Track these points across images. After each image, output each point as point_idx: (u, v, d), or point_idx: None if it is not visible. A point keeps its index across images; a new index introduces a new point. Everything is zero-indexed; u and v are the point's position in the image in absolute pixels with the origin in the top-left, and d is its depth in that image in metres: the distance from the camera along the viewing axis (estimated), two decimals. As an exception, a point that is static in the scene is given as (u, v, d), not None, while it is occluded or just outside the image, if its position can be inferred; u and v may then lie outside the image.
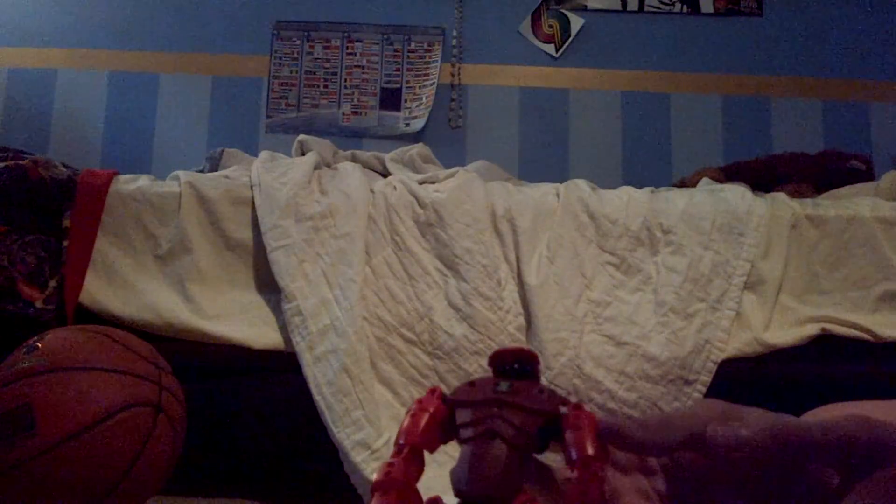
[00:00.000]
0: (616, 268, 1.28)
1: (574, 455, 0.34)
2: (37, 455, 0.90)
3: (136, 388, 0.99)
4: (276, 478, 1.45)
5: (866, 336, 1.22)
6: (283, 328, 1.23)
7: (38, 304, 1.19)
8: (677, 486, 0.39)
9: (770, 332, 1.24)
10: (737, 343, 1.22)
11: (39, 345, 0.99)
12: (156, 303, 1.23)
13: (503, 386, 0.36)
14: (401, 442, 0.36)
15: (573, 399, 1.15)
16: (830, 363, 1.26)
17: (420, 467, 0.36)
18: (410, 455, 0.35)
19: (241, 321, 1.24)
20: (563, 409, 0.36)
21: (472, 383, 0.37)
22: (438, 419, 0.37)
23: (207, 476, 1.42)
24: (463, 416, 0.36)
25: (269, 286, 1.27)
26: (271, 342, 1.23)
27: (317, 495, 1.31)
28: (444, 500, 0.35)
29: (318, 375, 1.16)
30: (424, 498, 0.35)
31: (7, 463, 0.90)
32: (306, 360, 1.17)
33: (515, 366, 0.38)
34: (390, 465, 0.35)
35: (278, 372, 1.52)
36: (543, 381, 1.18)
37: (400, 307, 1.22)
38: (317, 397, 1.15)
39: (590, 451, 0.34)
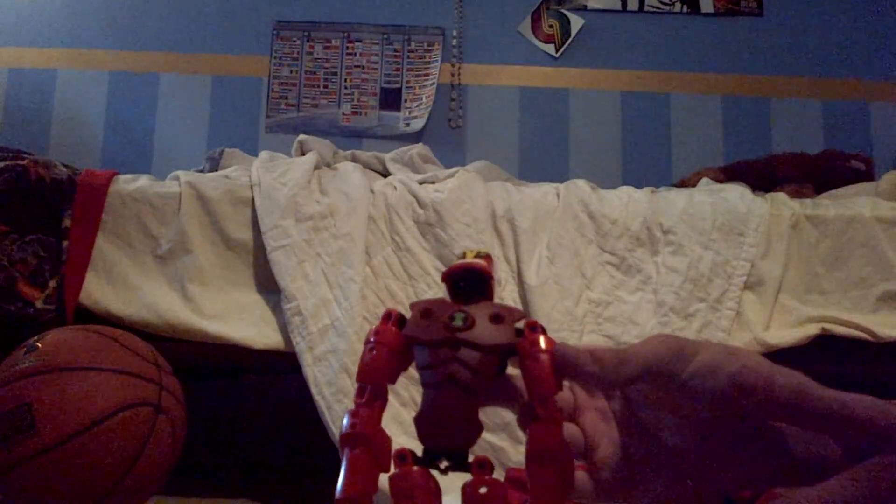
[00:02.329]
0: (616, 268, 1.28)
1: (532, 390, 0.35)
2: (37, 455, 0.90)
3: (136, 388, 0.99)
4: (277, 478, 1.45)
5: (866, 336, 1.22)
6: (283, 328, 1.23)
7: (38, 304, 1.19)
8: (634, 411, 0.40)
9: (770, 332, 1.24)
10: (737, 343, 1.22)
11: (39, 345, 0.99)
12: (156, 303, 1.23)
13: (458, 320, 0.36)
14: (362, 383, 0.36)
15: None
16: (830, 363, 1.25)
17: (383, 403, 0.36)
18: (373, 396, 0.36)
19: (241, 321, 1.24)
20: (520, 331, 0.36)
21: (427, 311, 0.37)
22: (397, 352, 0.37)
23: (207, 476, 1.42)
24: (420, 357, 0.36)
25: (269, 286, 1.27)
26: (271, 342, 1.23)
27: (317, 495, 1.31)
28: (410, 450, 0.35)
29: (318, 375, 1.16)
30: (393, 444, 0.35)
31: (7, 463, 0.90)
32: (306, 360, 1.17)
33: (467, 287, 0.37)
34: (355, 413, 0.35)
35: (278, 372, 1.52)
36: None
37: (400, 307, 1.22)
38: (317, 397, 1.15)
39: (548, 387, 0.35)
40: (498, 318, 0.36)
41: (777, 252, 1.27)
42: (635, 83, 2.44)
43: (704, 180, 1.68)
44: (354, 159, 1.58)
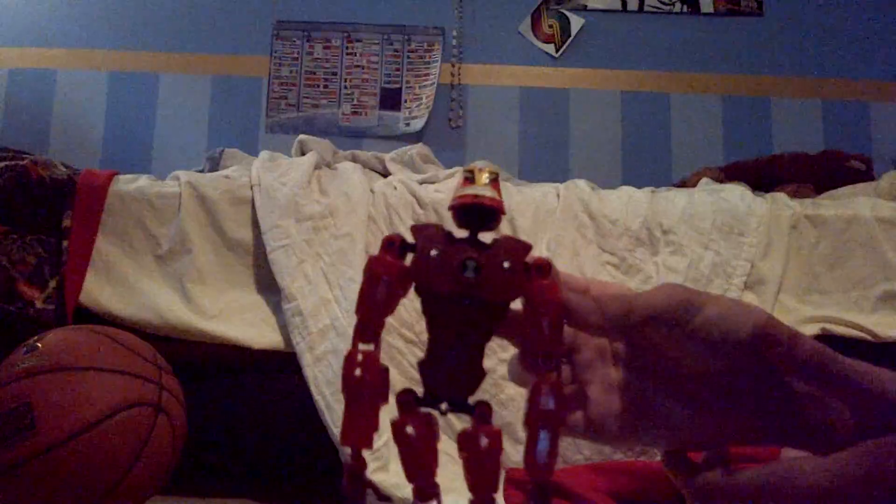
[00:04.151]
0: (616, 268, 1.28)
1: (536, 343, 0.35)
2: (37, 455, 0.90)
3: (136, 388, 0.99)
4: (276, 478, 1.45)
5: (866, 336, 1.22)
6: (283, 328, 1.23)
7: (38, 304, 1.19)
8: (636, 353, 0.39)
9: (770, 332, 1.24)
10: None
11: (39, 345, 0.99)
12: (156, 303, 1.23)
13: (469, 270, 0.34)
14: (362, 320, 0.36)
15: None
16: (830, 363, 1.25)
17: (380, 335, 0.36)
18: (374, 334, 0.36)
19: (241, 321, 1.24)
20: (528, 266, 0.35)
21: (435, 252, 0.35)
22: (399, 282, 0.36)
23: (207, 476, 1.42)
24: (430, 306, 0.36)
25: (269, 286, 1.27)
26: (271, 342, 1.23)
27: (317, 495, 1.31)
28: (412, 392, 0.36)
29: (318, 375, 1.16)
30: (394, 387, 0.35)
31: (7, 463, 0.90)
32: (306, 360, 1.17)
33: (475, 221, 0.36)
34: (354, 357, 0.34)
35: (278, 372, 1.52)
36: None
37: (400, 307, 1.22)
38: (317, 397, 1.15)
39: (554, 346, 0.35)
40: (507, 260, 0.35)
41: (777, 252, 1.27)
42: (635, 83, 2.44)
43: (704, 180, 1.68)
44: (354, 159, 1.58)
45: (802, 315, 1.25)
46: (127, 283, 1.25)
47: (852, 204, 1.33)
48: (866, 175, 1.73)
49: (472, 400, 0.35)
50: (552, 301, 0.35)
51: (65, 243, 1.23)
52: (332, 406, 1.14)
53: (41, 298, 1.20)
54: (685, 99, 2.43)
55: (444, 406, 0.35)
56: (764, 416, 0.37)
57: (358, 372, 0.34)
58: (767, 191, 1.57)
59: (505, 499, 0.98)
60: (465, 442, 0.34)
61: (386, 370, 0.35)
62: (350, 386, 0.34)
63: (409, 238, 0.37)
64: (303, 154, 1.54)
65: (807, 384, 0.36)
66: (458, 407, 0.35)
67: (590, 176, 1.53)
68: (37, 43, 2.45)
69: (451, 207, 0.36)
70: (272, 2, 2.47)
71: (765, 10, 2.46)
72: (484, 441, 0.34)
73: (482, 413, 0.35)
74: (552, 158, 2.40)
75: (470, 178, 0.36)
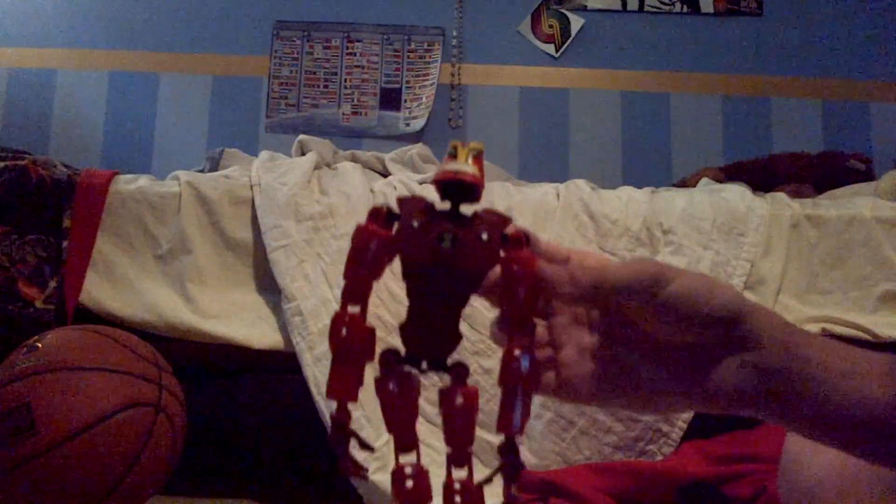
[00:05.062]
0: (616, 268, 1.28)
1: (512, 312, 0.37)
2: (37, 455, 0.90)
3: (136, 388, 0.99)
4: (276, 478, 1.45)
5: (866, 336, 1.22)
6: (283, 328, 1.23)
7: (38, 304, 1.19)
8: (609, 321, 0.42)
9: (770, 332, 1.24)
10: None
11: (39, 345, 0.99)
12: (156, 303, 1.23)
13: (446, 241, 0.37)
14: (349, 284, 0.37)
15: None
16: (830, 363, 1.25)
17: (368, 298, 0.38)
18: (361, 297, 0.38)
19: (241, 321, 1.24)
20: (505, 237, 0.37)
21: (416, 223, 0.37)
22: (383, 250, 0.38)
23: (207, 476, 1.42)
24: (410, 273, 0.38)
25: (269, 286, 1.27)
26: (271, 342, 1.23)
27: (317, 495, 1.31)
28: (395, 351, 0.38)
29: (318, 375, 1.16)
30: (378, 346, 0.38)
31: (7, 463, 0.90)
32: (306, 360, 1.17)
33: (456, 195, 0.38)
34: (341, 318, 0.37)
35: (278, 372, 1.52)
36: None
37: (400, 307, 1.22)
38: (317, 397, 1.15)
39: (528, 314, 0.37)
40: (485, 233, 0.37)
41: (777, 252, 1.27)
42: (635, 83, 2.44)
43: (704, 180, 1.68)
44: (354, 159, 1.58)
45: (802, 315, 1.25)
46: (127, 283, 1.25)
47: (852, 204, 1.33)
48: (866, 175, 1.73)
49: (450, 361, 0.38)
50: (526, 272, 0.37)
51: (65, 243, 1.23)
52: (332, 406, 1.14)
53: (41, 298, 1.20)
54: (685, 99, 2.43)
55: (423, 365, 0.38)
56: (732, 388, 0.38)
57: (344, 331, 0.36)
58: (767, 191, 1.57)
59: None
60: (444, 399, 0.36)
61: (372, 331, 0.38)
62: (337, 345, 0.36)
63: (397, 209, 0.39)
64: (303, 154, 1.54)
65: (773, 361, 0.38)
66: (437, 366, 0.38)
67: (590, 176, 1.53)
68: (37, 43, 2.45)
69: (434, 182, 0.38)
70: (272, 2, 2.47)
71: (765, 10, 2.46)
72: (460, 399, 0.36)
73: (459, 373, 0.37)
74: (552, 158, 2.39)
75: (453, 155, 0.38)
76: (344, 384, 0.37)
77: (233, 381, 1.80)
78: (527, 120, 2.41)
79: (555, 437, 1.16)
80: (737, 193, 1.33)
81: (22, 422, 0.91)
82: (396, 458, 0.37)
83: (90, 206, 1.26)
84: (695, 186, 1.61)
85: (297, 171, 1.32)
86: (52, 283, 1.21)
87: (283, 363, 1.21)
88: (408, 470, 0.36)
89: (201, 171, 1.60)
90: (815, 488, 0.61)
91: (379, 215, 0.38)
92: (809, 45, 2.44)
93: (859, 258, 1.28)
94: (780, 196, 1.36)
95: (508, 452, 0.36)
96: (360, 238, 0.38)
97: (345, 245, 1.24)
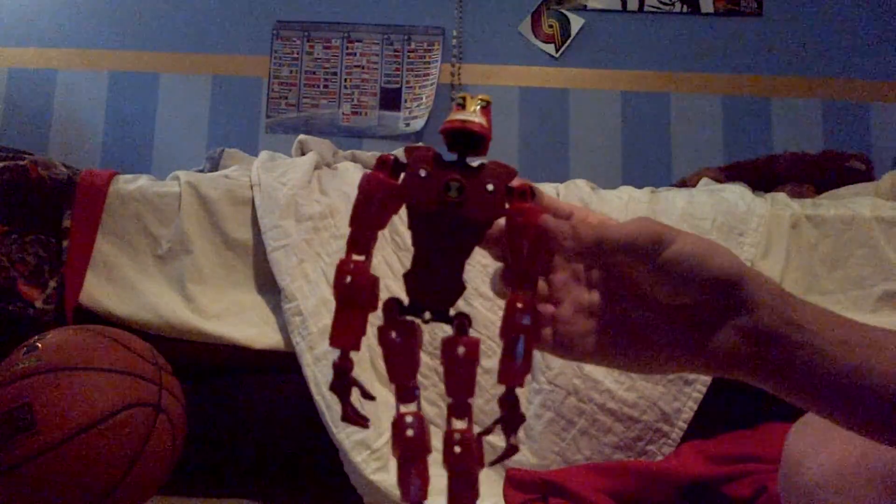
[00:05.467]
0: (616, 268, 1.28)
1: (515, 263, 0.38)
2: (37, 455, 0.90)
3: (136, 388, 0.99)
4: (277, 478, 1.45)
5: (866, 336, 1.22)
6: (283, 328, 1.22)
7: (38, 304, 1.19)
8: (609, 279, 0.42)
9: (770, 332, 1.24)
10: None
11: (39, 345, 0.99)
12: (156, 303, 1.23)
13: (453, 190, 0.37)
14: (356, 232, 0.38)
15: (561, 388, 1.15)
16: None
17: (373, 247, 0.39)
18: (365, 246, 0.38)
19: (241, 321, 1.24)
20: (511, 189, 0.38)
21: (423, 172, 0.38)
22: (390, 199, 0.38)
23: (207, 476, 1.42)
24: (416, 222, 0.38)
25: (269, 286, 1.27)
26: (271, 342, 1.23)
27: (317, 495, 1.31)
28: (398, 300, 0.38)
29: (319, 375, 1.16)
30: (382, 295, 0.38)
31: (7, 463, 0.90)
32: (306, 360, 1.17)
33: (463, 145, 0.38)
34: (346, 265, 0.37)
35: (278, 372, 1.52)
36: (539, 358, 1.18)
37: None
38: (317, 397, 1.15)
39: (531, 266, 0.38)
40: (491, 184, 0.38)
41: (777, 252, 1.27)
42: (635, 83, 2.44)
43: (704, 180, 1.68)
44: (354, 159, 1.58)
45: (802, 315, 1.25)
46: (127, 283, 1.25)
47: (852, 204, 1.33)
48: (866, 175, 1.73)
49: (452, 311, 0.38)
50: (530, 224, 0.38)
51: (65, 243, 1.23)
52: (332, 406, 1.14)
53: (41, 298, 1.20)
54: (685, 99, 2.43)
55: (427, 315, 0.38)
56: (728, 351, 0.39)
57: (349, 279, 0.37)
58: (767, 191, 1.57)
59: (505, 498, 0.98)
60: (446, 349, 0.37)
61: (376, 280, 0.38)
62: (341, 291, 0.37)
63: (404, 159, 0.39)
64: (303, 154, 1.54)
65: (765, 326, 0.38)
66: (440, 317, 0.38)
67: (590, 176, 1.53)
68: (37, 43, 2.45)
69: (441, 131, 0.38)
70: (272, 2, 2.47)
71: (765, 10, 2.46)
72: (462, 349, 0.37)
73: (461, 324, 0.38)
74: (552, 158, 2.39)
75: (461, 105, 0.38)
76: (347, 332, 0.37)
77: (233, 381, 1.80)
78: (527, 120, 2.41)
79: (555, 437, 1.16)
80: (737, 193, 1.33)
81: (22, 422, 0.91)
82: (398, 408, 0.37)
83: (90, 206, 1.26)
84: (695, 186, 1.61)
85: (297, 171, 1.32)
86: (52, 284, 1.21)
87: (283, 363, 1.21)
88: (408, 419, 0.36)
89: (201, 171, 1.60)
90: (815, 488, 0.61)
91: (386, 164, 0.38)
92: (809, 45, 2.44)
93: (859, 258, 1.28)
94: (780, 196, 1.36)
95: (509, 404, 0.37)
96: (366, 187, 0.38)
97: (345, 245, 1.24)
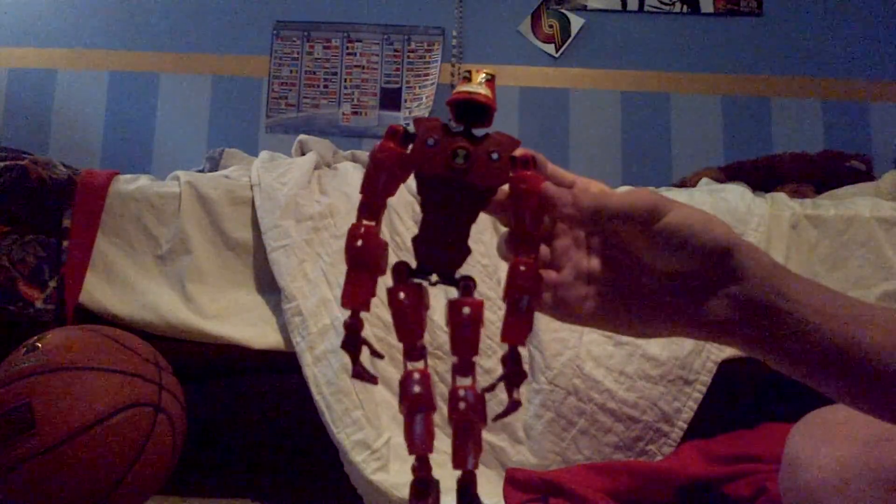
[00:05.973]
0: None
1: (519, 227, 0.40)
2: (37, 455, 0.90)
3: (136, 388, 0.99)
4: (277, 478, 1.45)
5: (866, 336, 1.22)
6: (283, 328, 1.23)
7: (38, 304, 1.19)
8: (608, 246, 0.44)
9: (770, 332, 1.24)
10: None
11: (39, 345, 0.99)
12: (156, 303, 1.23)
13: (459, 157, 0.39)
14: (366, 199, 0.40)
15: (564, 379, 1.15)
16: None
17: (382, 213, 0.41)
18: (376, 212, 0.40)
19: (241, 321, 1.24)
20: (514, 159, 0.40)
21: (432, 140, 0.39)
22: (399, 167, 0.40)
23: (207, 476, 1.42)
24: (425, 188, 0.40)
25: (269, 286, 1.27)
26: (271, 342, 1.23)
27: (317, 495, 1.31)
28: (406, 264, 0.40)
29: (318, 375, 1.16)
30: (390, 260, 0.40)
31: (7, 463, 0.90)
32: (306, 360, 1.17)
33: (469, 115, 0.40)
34: (357, 229, 0.39)
35: (278, 372, 1.52)
36: (539, 358, 1.18)
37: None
38: (317, 397, 1.15)
39: (533, 229, 0.39)
40: (496, 152, 0.40)
41: (777, 252, 1.27)
42: (635, 83, 2.44)
43: (704, 180, 1.68)
44: (354, 159, 1.58)
45: (802, 315, 1.25)
46: (127, 283, 1.25)
47: (852, 204, 1.33)
48: (866, 175, 1.73)
49: (458, 274, 0.40)
50: (532, 191, 0.40)
51: (65, 243, 1.23)
52: (332, 406, 1.14)
53: (41, 298, 1.20)
54: (685, 99, 2.43)
55: (433, 278, 0.40)
56: (720, 318, 0.40)
57: (360, 242, 0.38)
58: (767, 191, 1.57)
59: (505, 498, 0.98)
60: (451, 310, 0.39)
61: (385, 244, 0.39)
62: (352, 254, 0.38)
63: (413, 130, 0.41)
64: (303, 154, 1.54)
65: (754, 294, 0.39)
66: (446, 279, 0.40)
67: (590, 176, 1.52)
68: (37, 43, 2.45)
69: (448, 102, 0.40)
70: (272, 2, 2.47)
71: (764, 10, 2.46)
72: (467, 310, 0.38)
73: (466, 286, 0.39)
74: (552, 158, 2.34)
75: (467, 78, 0.40)
76: (358, 292, 0.38)
77: (233, 381, 1.80)
78: (527, 120, 2.41)
79: (555, 437, 1.16)
80: (737, 193, 1.33)
81: (22, 422, 0.91)
82: (405, 365, 0.39)
83: (90, 207, 1.26)
84: (695, 186, 1.61)
85: (297, 171, 1.32)
86: (52, 284, 1.21)
87: (283, 363, 1.21)
88: (416, 376, 0.38)
89: (201, 171, 1.60)
90: (815, 488, 0.61)
91: (396, 135, 0.40)
92: (809, 45, 2.44)
93: (859, 258, 1.28)
94: (780, 196, 1.36)
95: (512, 361, 0.38)
96: (377, 155, 0.39)
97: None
